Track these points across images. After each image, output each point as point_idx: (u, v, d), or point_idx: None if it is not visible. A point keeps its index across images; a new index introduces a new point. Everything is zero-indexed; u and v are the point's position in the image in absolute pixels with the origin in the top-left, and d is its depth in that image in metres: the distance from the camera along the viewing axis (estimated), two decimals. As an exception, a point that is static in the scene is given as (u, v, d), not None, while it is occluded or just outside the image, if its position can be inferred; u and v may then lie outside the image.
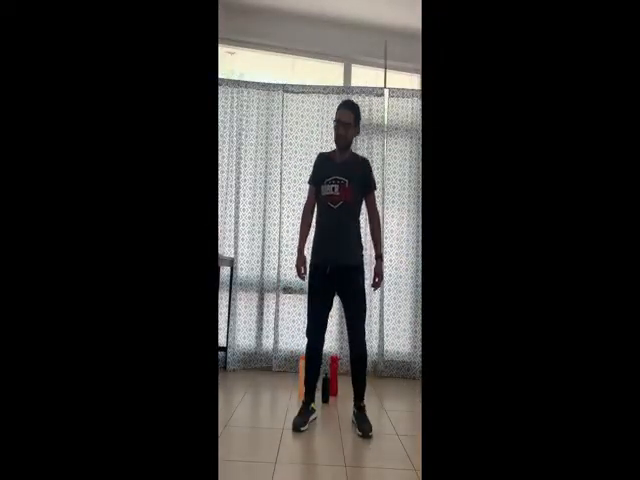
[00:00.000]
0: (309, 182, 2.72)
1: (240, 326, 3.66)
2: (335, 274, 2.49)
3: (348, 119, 2.53)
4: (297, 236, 2.79)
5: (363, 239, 2.71)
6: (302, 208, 2.77)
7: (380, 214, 3.64)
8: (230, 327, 3.61)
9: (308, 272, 2.64)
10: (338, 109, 2.60)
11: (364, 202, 2.65)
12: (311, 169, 2.73)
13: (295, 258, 2.72)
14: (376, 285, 2.60)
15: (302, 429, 2.43)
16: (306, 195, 2.75)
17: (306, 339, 2.59)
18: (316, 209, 2.66)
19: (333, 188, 2.52)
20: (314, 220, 2.67)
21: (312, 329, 2.55)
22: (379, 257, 2.60)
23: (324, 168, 2.61)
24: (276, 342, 3.61)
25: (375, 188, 2.65)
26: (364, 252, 2.65)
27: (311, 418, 2.56)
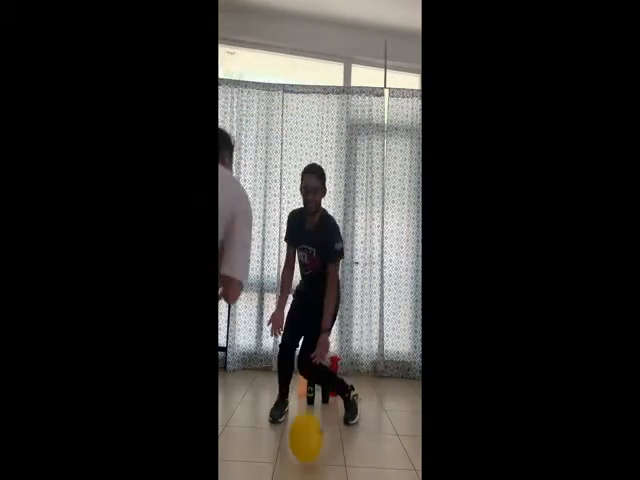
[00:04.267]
0: (285, 240, 2.86)
1: (240, 326, 3.66)
2: (304, 308, 2.68)
3: (315, 184, 2.60)
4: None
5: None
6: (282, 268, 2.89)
7: (380, 214, 3.69)
8: (230, 327, 3.61)
9: (295, 286, 2.83)
10: (303, 175, 2.67)
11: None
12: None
13: None
14: (319, 356, 2.54)
15: (280, 420, 2.57)
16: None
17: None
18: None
19: (303, 256, 2.69)
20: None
21: (286, 334, 2.68)
22: (325, 330, 2.57)
23: (296, 232, 2.73)
24: (276, 342, 3.61)
25: (337, 259, 2.66)
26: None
27: (285, 410, 2.70)
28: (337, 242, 2.64)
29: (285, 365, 2.69)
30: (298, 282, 2.85)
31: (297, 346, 2.70)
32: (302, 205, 2.74)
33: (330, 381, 2.77)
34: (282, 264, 3.62)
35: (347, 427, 2.55)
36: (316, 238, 2.63)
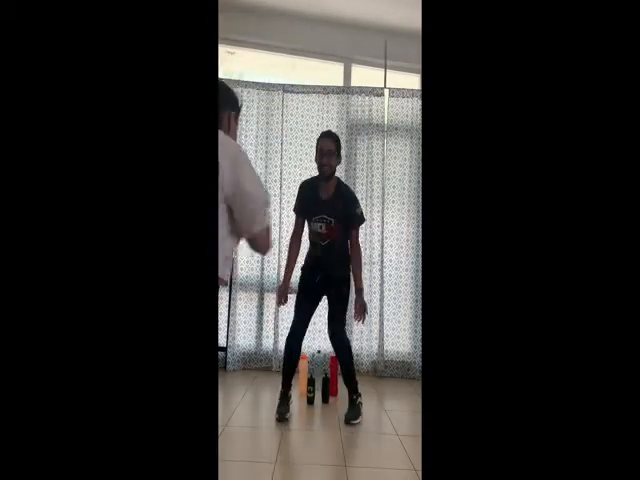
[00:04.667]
0: (295, 211, 2.78)
1: (240, 326, 3.66)
2: (323, 282, 2.65)
3: (330, 147, 2.59)
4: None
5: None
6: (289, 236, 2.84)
7: (380, 214, 3.69)
8: (230, 327, 3.61)
9: (299, 276, 2.76)
10: (319, 139, 2.66)
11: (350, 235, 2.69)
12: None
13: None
14: (359, 317, 2.70)
15: (287, 416, 2.58)
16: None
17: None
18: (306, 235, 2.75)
19: (320, 227, 2.63)
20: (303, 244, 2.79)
21: (296, 322, 2.66)
22: (360, 290, 2.67)
23: (311, 203, 2.67)
24: (276, 342, 3.61)
25: (359, 222, 2.69)
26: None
27: (289, 405, 2.70)
28: (358, 206, 2.65)
29: (292, 355, 2.67)
30: (306, 258, 2.75)
31: (304, 337, 2.70)
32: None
33: (352, 364, 2.72)
34: (282, 264, 3.62)
35: (347, 427, 2.55)
36: (334, 206, 2.60)
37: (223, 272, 1.45)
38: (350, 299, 2.73)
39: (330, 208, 2.60)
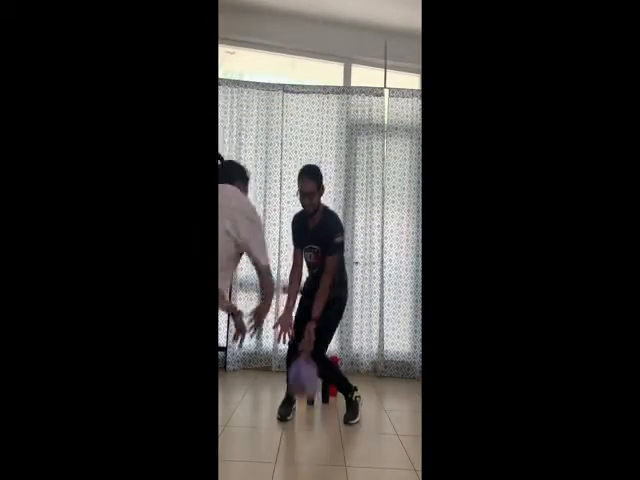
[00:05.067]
0: (293, 244, 2.85)
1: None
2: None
3: (310, 189, 2.59)
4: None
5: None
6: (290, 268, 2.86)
7: (380, 214, 3.68)
8: (230, 327, 3.61)
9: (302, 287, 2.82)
10: (299, 178, 2.65)
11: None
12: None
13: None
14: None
15: (288, 418, 2.58)
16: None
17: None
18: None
19: (310, 256, 2.71)
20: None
21: (295, 327, 2.65)
22: (313, 319, 2.56)
23: (301, 234, 2.76)
24: (276, 342, 3.61)
25: (337, 252, 2.67)
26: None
27: (292, 408, 2.71)
28: (337, 236, 2.64)
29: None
30: (304, 283, 2.85)
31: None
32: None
33: (335, 377, 2.78)
34: (282, 264, 3.64)
35: (347, 427, 2.55)
36: (319, 236, 2.65)
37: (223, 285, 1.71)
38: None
39: (315, 238, 2.66)
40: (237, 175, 2.12)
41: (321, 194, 2.67)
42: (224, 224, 1.83)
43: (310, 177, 2.62)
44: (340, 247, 2.69)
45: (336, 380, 2.80)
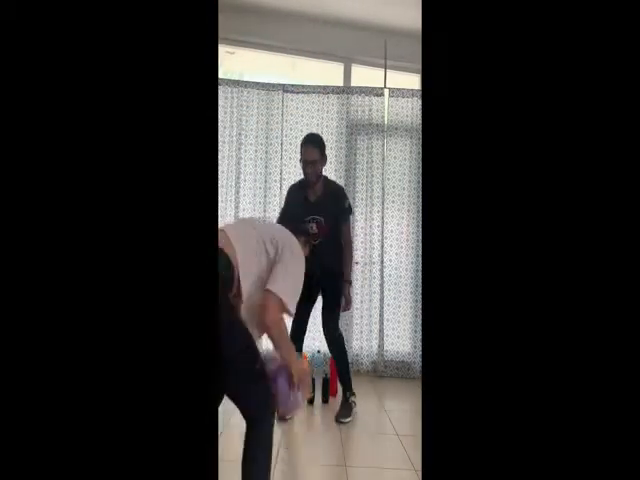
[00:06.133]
0: (282, 217, 2.72)
1: (240, 326, 3.66)
2: (319, 278, 2.65)
3: (314, 157, 2.59)
4: None
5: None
6: None
7: (380, 214, 3.68)
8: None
9: None
10: (302, 146, 2.64)
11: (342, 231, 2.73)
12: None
13: None
14: (344, 309, 2.77)
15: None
16: None
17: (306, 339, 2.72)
18: None
19: (311, 227, 2.68)
20: None
21: (296, 322, 2.67)
22: (348, 282, 2.73)
23: (300, 206, 2.72)
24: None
25: (347, 220, 2.72)
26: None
27: None
28: (345, 201, 2.69)
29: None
30: None
31: (304, 334, 2.75)
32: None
33: (345, 358, 2.77)
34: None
35: (347, 427, 2.55)
36: (323, 206, 2.64)
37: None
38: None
39: (319, 208, 2.65)
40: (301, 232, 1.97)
41: (324, 163, 2.66)
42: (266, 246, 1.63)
43: (314, 145, 2.61)
44: (350, 211, 2.74)
45: (344, 367, 2.75)
